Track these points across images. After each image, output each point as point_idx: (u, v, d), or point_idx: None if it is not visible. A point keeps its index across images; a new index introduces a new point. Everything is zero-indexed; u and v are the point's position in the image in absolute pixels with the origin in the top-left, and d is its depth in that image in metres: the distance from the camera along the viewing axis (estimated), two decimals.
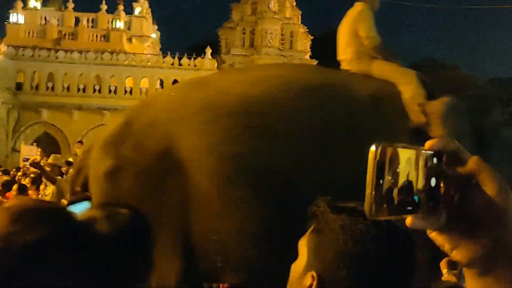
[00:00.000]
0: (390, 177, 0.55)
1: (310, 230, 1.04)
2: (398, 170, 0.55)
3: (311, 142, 2.83)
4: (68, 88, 27.15)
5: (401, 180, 0.55)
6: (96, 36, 33.81)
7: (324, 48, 40.30)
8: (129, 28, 35.06)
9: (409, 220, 0.58)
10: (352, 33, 3.52)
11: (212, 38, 36.99)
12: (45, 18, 34.25)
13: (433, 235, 0.61)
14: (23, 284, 0.98)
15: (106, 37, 33.63)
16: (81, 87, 27.25)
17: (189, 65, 27.71)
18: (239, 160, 2.74)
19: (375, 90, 3.15)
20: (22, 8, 33.94)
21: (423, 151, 0.58)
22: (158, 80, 27.77)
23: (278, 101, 2.89)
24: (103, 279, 1.19)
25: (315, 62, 34.24)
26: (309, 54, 35.51)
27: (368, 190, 0.54)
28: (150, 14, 38.31)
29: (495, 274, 0.58)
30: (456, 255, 0.60)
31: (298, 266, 1.03)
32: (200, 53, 28.12)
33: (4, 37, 30.57)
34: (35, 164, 7.68)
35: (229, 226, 2.76)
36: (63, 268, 1.03)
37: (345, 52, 3.60)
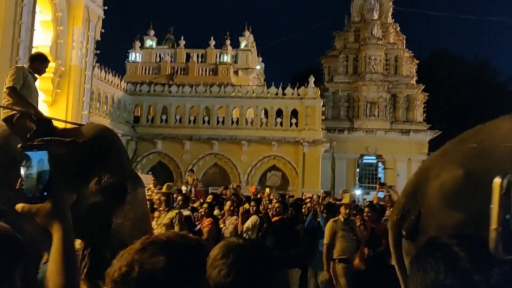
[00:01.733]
0: None
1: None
2: None
3: None
4: (180, 120, 28.81)
5: None
6: (205, 70, 35.59)
7: (431, 72, 38.78)
8: (235, 61, 36.53)
9: None
10: None
11: (315, 67, 37.38)
12: (160, 55, 36.83)
13: None
14: None
15: (214, 71, 35.32)
16: (192, 118, 28.75)
17: (292, 94, 28.14)
18: None
19: None
20: (140, 47, 36.89)
21: None
22: (263, 110, 28.52)
23: None
24: None
25: (422, 86, 33.12)
26: (415, 78, 34.43)
27: (493, 226, 0.49)
28: (255, 47, 39.66)
29: None
30: None
31: None
32: (303, 82, 28.46)
33: (125, 74, 33.37)
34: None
35: None
36: None
37: None
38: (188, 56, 36.36)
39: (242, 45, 37.73)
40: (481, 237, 0.94)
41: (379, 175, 31.28)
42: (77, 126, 5.26)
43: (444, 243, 0.94)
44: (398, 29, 35.50)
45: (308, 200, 11.08)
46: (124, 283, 1.11)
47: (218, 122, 28.41)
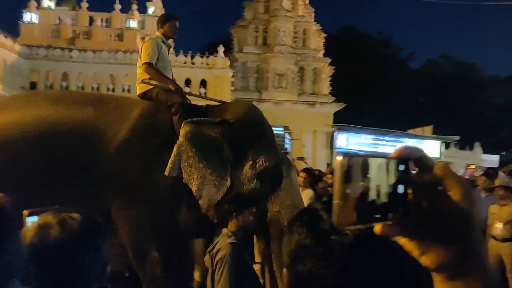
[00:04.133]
0: (358, 186, 0.55)
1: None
2: (368, 178, 0.56)
3: None
4: (82, 87, 27.31)
5: (370, 188, 0.56)
6: (110, 35, 33.98)
7: (338, 46, 39.86)
8: (142, 28, 35.15)
9: (378, 227, 0.59)
10: None
11: (225, 37, 36.90)
12: (59, 17, 34.50)
13: (403, 241, 0.62)
14: None
15: (120, 37, 33.77)
16: (95, 86, 27.37)
17: (201, 63, 27.68)
18: None
19: None
20: (36, 7, 34.20)
21: (391, 159, 0.58)
22: None
23: None
24: (55, 278, 1.29)
25: (328, 60, 33.99)
26: (322, 52, 35.23)
27: (335, 200, 0.54)
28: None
29: (464, 278, 0.59)
30: (425, 260, 0.61)
31: None
32: (213, 52, 28.05)
33: (18, 36, 30.81)
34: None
35: None
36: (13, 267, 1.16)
37: None
38: (91, 20, 34.40)
39: (150, 11, 36.37)
40: None
41: (286, 146, 31.94)
42: (219, 103, 5.01)
43: (312, 207, 0.97)
44: (307, 1, 35.93)
45: None
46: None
47: (123, 90, 27.31)
